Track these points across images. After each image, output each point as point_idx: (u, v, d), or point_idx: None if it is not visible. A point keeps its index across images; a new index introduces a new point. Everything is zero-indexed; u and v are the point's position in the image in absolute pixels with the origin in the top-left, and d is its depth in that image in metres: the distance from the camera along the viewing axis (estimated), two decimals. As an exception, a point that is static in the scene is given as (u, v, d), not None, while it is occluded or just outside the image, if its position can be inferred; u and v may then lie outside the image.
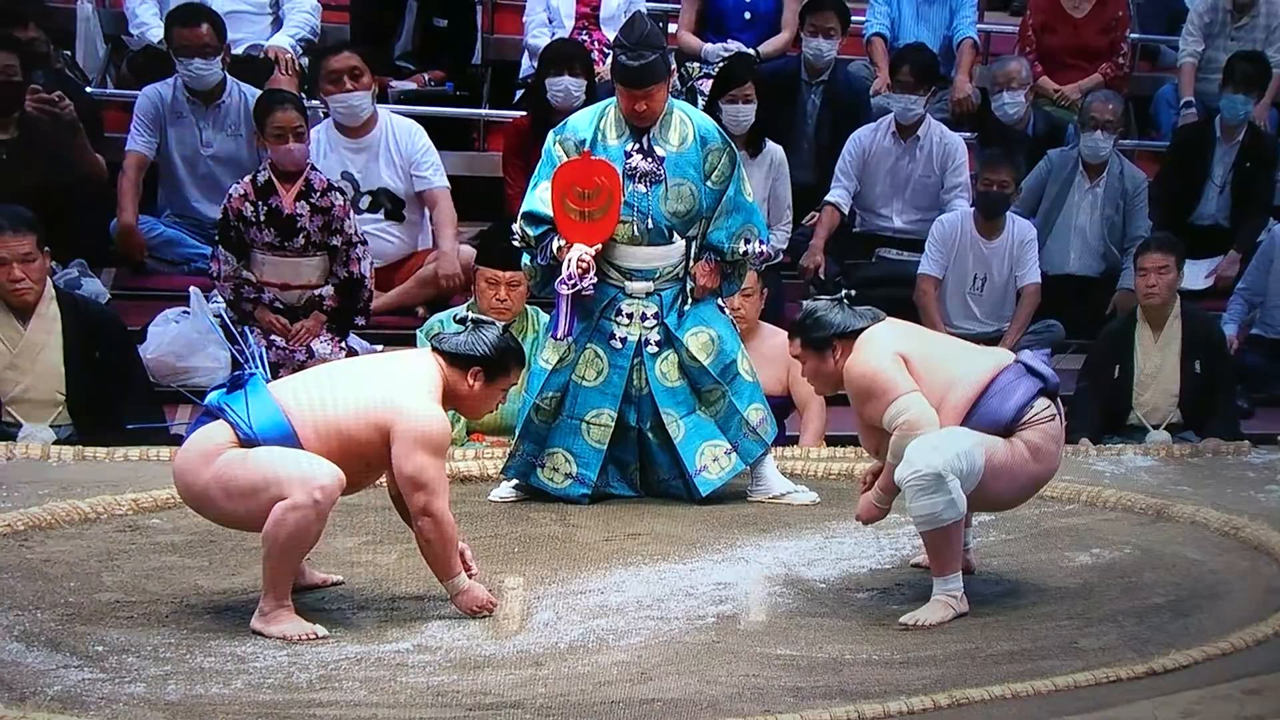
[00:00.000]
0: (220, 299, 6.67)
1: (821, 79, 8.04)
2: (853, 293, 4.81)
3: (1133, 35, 8.91)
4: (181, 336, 6.58)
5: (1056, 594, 4.65)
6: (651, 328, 5.52)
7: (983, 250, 7.36)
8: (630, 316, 5.49)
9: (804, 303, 4.83)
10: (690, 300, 5.54)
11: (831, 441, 6.31)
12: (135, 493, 5.21)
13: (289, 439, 4.26)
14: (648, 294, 5.48)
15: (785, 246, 7.57)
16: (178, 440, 5.99)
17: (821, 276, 7.68)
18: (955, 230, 7.37)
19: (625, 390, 5.52)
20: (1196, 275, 7.76)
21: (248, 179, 6.61)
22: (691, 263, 5.55)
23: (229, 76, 7.27)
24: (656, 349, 5.51)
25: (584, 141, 5.46)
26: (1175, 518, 5.39)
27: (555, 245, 5.42)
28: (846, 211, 7.78)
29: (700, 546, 4.99)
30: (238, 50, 7.60)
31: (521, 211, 5.57)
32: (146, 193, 7.32)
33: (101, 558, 4.72)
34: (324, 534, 4.90)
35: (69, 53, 7.81)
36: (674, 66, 5.52)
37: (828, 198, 7.73)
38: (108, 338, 6.00)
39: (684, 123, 5.49)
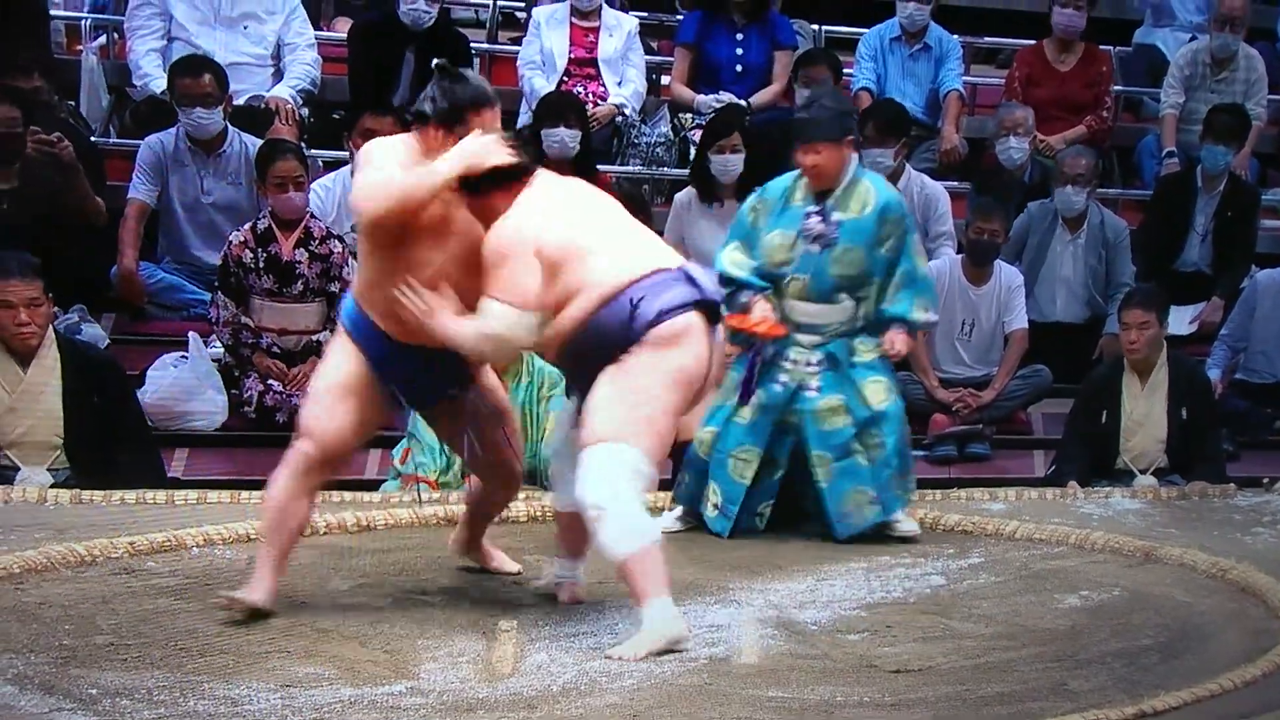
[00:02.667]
0: (219, 344, 6.72)
1: None
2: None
3: (1116, 88, 9.05)
4: (180, 381, 6.62)
5: (1046, 636, 4.65)
6: (814, 374, 5.57)
7: (971, 296, 7.43)
8: (794, 363, 5.57)
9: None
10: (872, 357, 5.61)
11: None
12: (131, 536, 5.18)
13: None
14: (815, 346, 5.56)
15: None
16: (174, 484, 6.04)
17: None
18: (944, 277, 7.43)
19: (778, 430, 5.59)
20: (1181, 321, 7.84)
21: (248, 226, 6.68)
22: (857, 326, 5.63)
23: (230, 126, 7.34)
24: (816, 393, 5.55)
25: (781, 195, 5.64)
26: (1163, 560, 5.40)
27: (745, 300, 5.58)
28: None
29: (692, 589, 4.99)
30: (239, 100, 7.67)
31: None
32: (147, 239, 7.38)
33: (97, 601, 4.70)
34: (320, 578, 4.99)
35: (73, 103, 7.88)
36: (852, 134, 5.59)
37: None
38: (106, 382, 6.04)
39: (868, 192, 5.60)
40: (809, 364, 5.58)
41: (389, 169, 4.44)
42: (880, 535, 5.60)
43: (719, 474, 5.61)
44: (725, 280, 5.56)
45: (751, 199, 5.81)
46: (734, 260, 5.66)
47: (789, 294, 5.59)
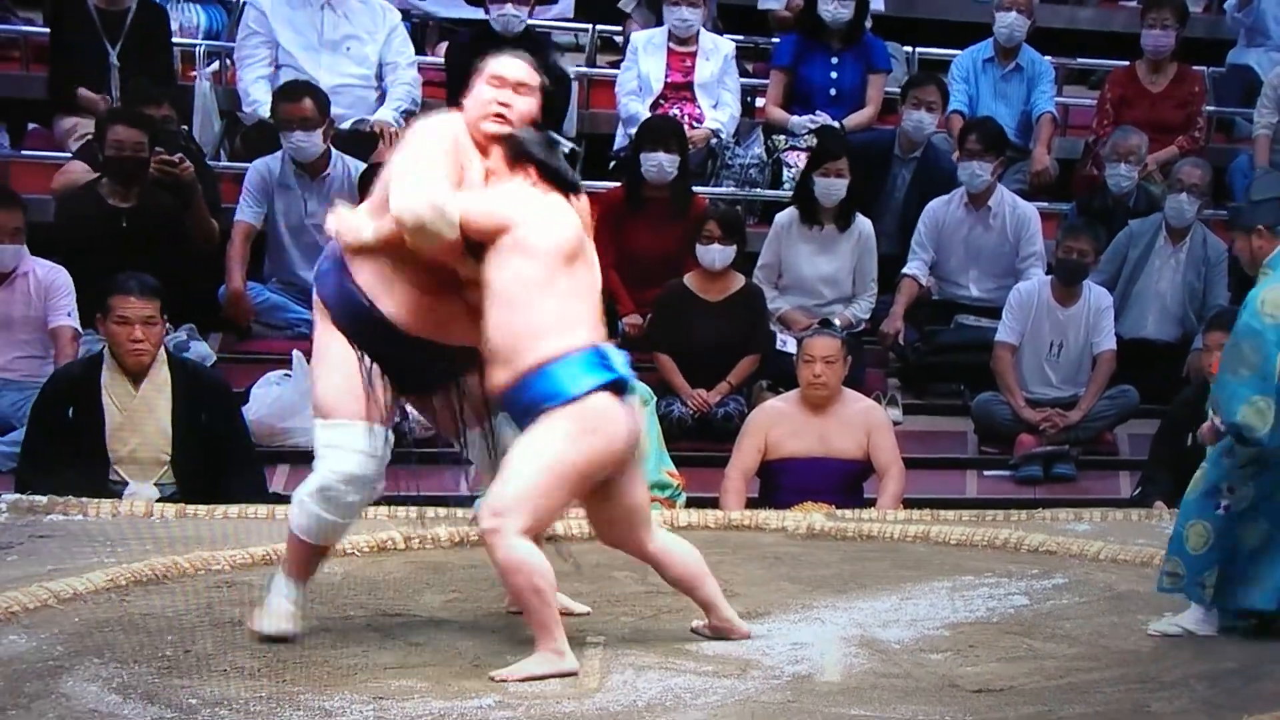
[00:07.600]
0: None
1: (914, 155, 8.18)
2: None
3: (1208, 108, 9.00)
4: (283, 399, 6.76)
5: (1129, 657, 4.65)
6: None
7: (1059, 317, 7.44)
8: None
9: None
10: None
11: (909, 504, 6.41)
12: (233, 550, 5.31)
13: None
14: None
15: (868, 316, 7.74)
16: (276, 499, 6.15)
17: (901, 343, 7.82)
18: (1032, 298, 7.47)
19: None
20: (1270, 343, 7.74)
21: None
22: None
23: (333, 149, 7.48)
24: None
25: None
26: (1248, 582, 5.37)
27: None
28: (925, 283, 7.90)
29: (777, 607, 5.03)
30: (344, 124, 7.82)
31: None
32: (253, 260, 7.56)
33: (199, 613, 4.81)
34: (414, 592, 5.08)
35: (186, 127, 8.06)
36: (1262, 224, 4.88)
37: (905, 270, 7.87)
38: (214, 400, 6.23)
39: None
40: None
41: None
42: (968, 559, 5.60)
43: None
44: None
45: None
46: None
47: None
